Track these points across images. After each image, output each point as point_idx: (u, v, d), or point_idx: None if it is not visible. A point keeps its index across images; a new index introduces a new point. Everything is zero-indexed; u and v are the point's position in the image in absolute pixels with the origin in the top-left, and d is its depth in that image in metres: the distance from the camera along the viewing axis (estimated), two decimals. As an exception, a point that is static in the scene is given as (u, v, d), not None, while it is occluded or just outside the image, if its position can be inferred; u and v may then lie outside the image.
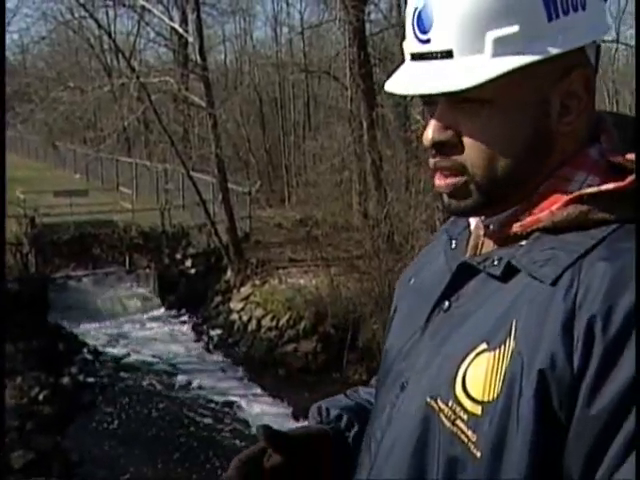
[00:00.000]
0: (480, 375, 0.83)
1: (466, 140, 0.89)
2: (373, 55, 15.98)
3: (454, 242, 1.01)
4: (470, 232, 1.00)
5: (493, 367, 0.83)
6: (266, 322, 13.89)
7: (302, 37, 23.35)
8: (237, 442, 10.45)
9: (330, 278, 13.60)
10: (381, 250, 12.96)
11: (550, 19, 0.85)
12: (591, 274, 0.80)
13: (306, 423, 1.16)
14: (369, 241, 13.35)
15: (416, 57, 0.90)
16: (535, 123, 0.88)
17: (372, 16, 17.38)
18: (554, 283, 0.82)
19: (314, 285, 13.85)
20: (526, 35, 0.85)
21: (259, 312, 14.21)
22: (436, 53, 0.87)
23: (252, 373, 12.77)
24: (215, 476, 9.50)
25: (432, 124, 0.91)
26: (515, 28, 0.84)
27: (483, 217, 0.95)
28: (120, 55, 20.77)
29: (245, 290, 15.09)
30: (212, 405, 11.74)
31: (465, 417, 0.84)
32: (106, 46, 24.96)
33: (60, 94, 19.27)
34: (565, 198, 0.87)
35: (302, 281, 14.37)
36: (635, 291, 0.78)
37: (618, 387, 0.76)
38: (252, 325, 14.09)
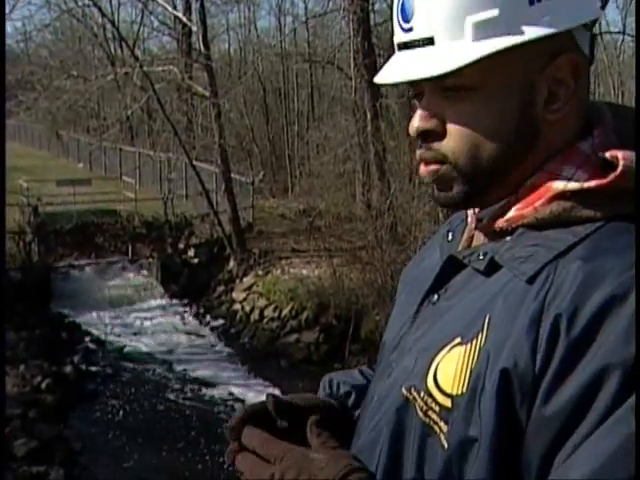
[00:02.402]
0: (451, 369, 0.84)
1: (450, 128, 0.88)
2: (377, 45, 15.89)
3: (451, 235, 1.02)
4: (467, 225, 1.00)
5: (463, 361, 0.83)
6: (268, 312, 13.90)
7: (306, 27, 23.30)
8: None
9: (333, 269, 13.60)
10: (384, 241, 12.94)
11: (532, 3, 0.85)
12: (565, 273, 0.79)
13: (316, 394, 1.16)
14: (372, 232, 13.33)
15: (401, 47, 0.91)
16: (520, 110, 0.87)
17: (377, 6, 17.29)
18: (530, 280, 0.81)
19: (317, 276, 13.85)
20: (506, 19, 0.84)
21: (262, 302, 14.22)
22: (418, 41, 0.88)
23: (254, 363, 12.79)
24: (217, 466, 9.52)
25: (418, 113, 0.91)
26: (495, 12, 0.84)
27: (477, 210, 0.95)
28: (123, 44, 20.70)
29: (248, 280, 15.10)
30: (214, 395, 11.76)
31: (437, 409, 0.84)
32: (109, 35, 24.91)
33: (63, 83, 19.27)
34: (549, 194, 0.86)
35: (305, 271, 14.37)
36: (620, 289, 0.76)
37: (573, 391, 0.75)
38: (254, 315, 14.10)
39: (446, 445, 0.83)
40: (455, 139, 0.88)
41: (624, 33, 19.93)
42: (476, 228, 0.96)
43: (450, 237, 1.01)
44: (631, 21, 22.17)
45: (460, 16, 0.85)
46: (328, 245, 14.36)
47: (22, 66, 24.31)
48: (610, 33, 21.85)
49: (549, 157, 0.88)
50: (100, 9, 19.53)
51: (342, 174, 15.99)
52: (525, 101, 0.87)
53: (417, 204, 12.79)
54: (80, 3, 21.32)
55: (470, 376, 0.82)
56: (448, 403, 0.83)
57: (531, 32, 0.84)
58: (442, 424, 0.83)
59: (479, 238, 0.96)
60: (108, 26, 22.90)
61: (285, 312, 13.59)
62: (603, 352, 0.74)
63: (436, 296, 0.95)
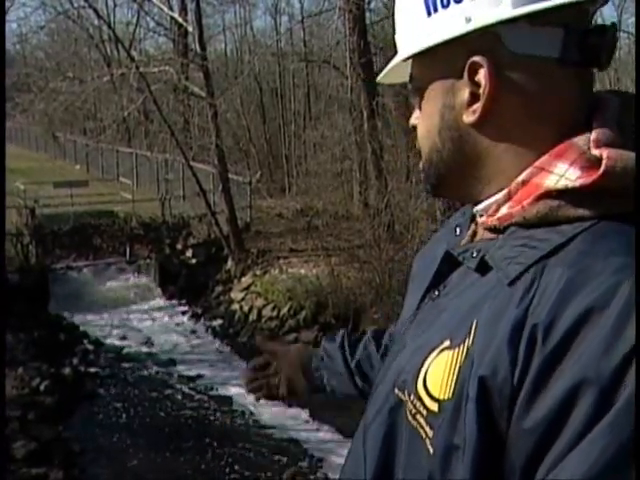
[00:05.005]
0: (439, 372, 0.82)
1: None
2: (373, 44, 15.89)
3: (459, 229, 1.01)
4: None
5: (451, 366, 0.81)
6: (267, 312, 13.89)
7: (302, 26, 23.23)
8: (238, 431, 10.47)
9: (331, 268, 13.59)
10: (382, 239, 12.93)
11: (429, 14, 0.90)
12: (548, 279, 0.76)
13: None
14: (369, 230, 13.32)
15: None
16: (440, 113, 0.90)
17: (372, 4, 17.31)
18: (512, 283, 0.79)
19: (315, 275, 13.84)
20: (407, 33, 0.95)
21: (260, 302, 14.21)
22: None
23: (253, 363, 12.76)
24: (216, 464, 9.52)
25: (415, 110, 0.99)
26: (401, 27, 0.97)
27: (477, 205, 0.94)
28: (119, 45, 20.66)
29: (246, 280, 15.09)
30: (213, 395, 11.75)
31: (424, 413, 0.83)
32: (105, 36, 24.85)
33: (59, 84, 19.20)
34: (537, 192, 0.83)
35: (303, 271, 14.36)
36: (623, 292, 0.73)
37: (548, 407, 0.72)
38: (253, 315, 14.09)
39: (432, 450, 0.81)
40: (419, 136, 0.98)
41: (619, 30, 19.94)
42: (476, 223, 0.96)
43: (458, 232, 1.00)
44: (627, 18, 22.21)
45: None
46: (326, 244, 14.35)
47: (18, 68, 24.30)
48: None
49: (542, 153, 0.85)
50: (96, 10, 19.46)
51: (339, 173, 15.99)
52: (444, 104, 0.90)
53: (414, 202, 12.79)
54: (75, 4, 21.29)
55: (456, 381, 0.80)
56: (435, 407, 0.81)
57: (429, 40, 0.89)
58: (428, 429, 0.82)
59: (481, 233, 0.94)
60: (104, 27, 22.83)
61: (283, 311, 13.58)
62: (578, 367, 0.71)
63: (437, 292, 0.94)
